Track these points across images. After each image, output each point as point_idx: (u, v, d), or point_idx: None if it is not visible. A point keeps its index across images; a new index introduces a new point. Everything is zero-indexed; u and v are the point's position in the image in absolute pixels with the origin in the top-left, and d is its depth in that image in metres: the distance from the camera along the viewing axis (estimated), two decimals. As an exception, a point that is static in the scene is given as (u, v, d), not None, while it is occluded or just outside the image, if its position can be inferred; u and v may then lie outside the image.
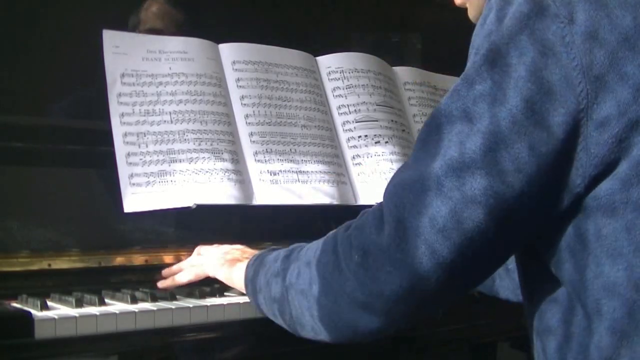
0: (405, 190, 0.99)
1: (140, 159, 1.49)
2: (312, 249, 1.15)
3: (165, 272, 1.44)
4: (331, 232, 1.13)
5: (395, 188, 1.02)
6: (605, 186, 0.93)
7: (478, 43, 1.00)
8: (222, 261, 1.37)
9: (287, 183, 1.62)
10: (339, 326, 1.09)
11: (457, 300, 1.07)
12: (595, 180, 0.94)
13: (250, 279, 1.26)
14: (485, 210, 0.95)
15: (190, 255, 1.48)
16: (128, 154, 1.48)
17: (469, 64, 1.00)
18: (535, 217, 0.97)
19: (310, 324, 1.13)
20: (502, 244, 0.99)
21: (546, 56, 0.93)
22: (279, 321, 1.20)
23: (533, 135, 0.93)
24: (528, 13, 0.94)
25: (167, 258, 1.50)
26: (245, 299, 1.33)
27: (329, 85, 1.82)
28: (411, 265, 0.97)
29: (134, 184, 1.46)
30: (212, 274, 1.38)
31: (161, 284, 1.41)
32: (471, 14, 1.20)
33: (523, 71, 0.93)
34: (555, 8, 0.93)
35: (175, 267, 1.44)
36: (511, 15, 0.95)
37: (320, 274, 1.08)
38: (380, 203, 1.04)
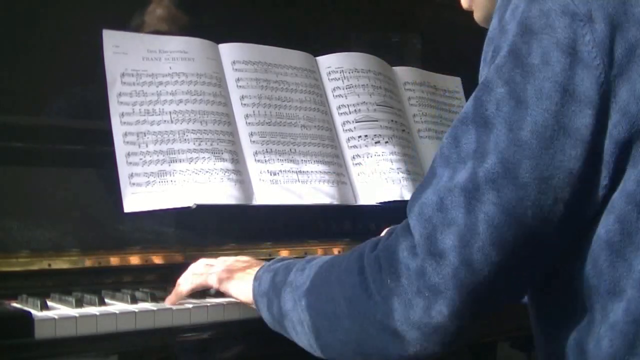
0: (435, 210, 0.95)
1: (140, 159, 1.49)
2: (327, 265, 1.08)
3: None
4: (355, 249, 1.06)
5: (421, 208, 0.97)
6: (618, 188, 0.93)
7: (497, 45, 0.97)
8: (227, 274, 1.28)
9: (287, 183, 1.62)
10: (365, 352, 1.02)
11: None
12: (614, 179, 0.93)
13: (258, 293, 1.19)
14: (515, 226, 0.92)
15: (190, 254, 1.48)
16: (128, 154, 1.48)
17: (491, 66, 0.97)
18: (564, 228, 0.95)
19: (324, 343, 1.07)
20: (530, 260, 0.96)
21: (568, 57, 0.91)
22: (288, 335, 1.14)
23: (561, 141, 0.91)
24: (548, 12, 0.93)
25: (167, 258, 1.49)
26: (245, 299, 1.33)
27: (329, 85, 1.82)
28: (453, 289, 0.92)
29: (134, 184, 1.46)
30: (216, 286, 1.28)
31: (168, 301, 1.29)
32: (477, 15, 1.19)
33: (547, 75, 0.92)
34: (574, 6, 0.92)
35: (179, 281, 1.34)
36: (533, 14, 0.94)
37: (345, 297, 1.01)
38: (407, 222, 0.99)
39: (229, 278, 1.26)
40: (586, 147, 0.91)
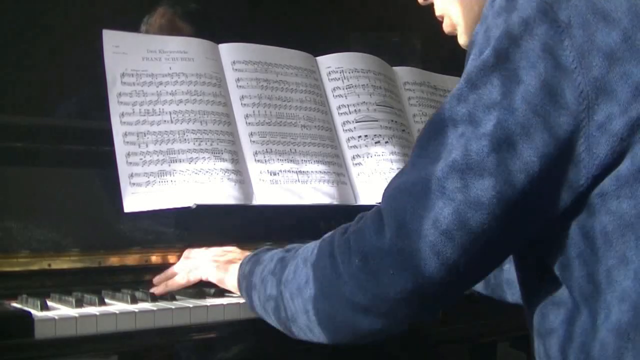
0: (405, 193, 1.00)
1: (140, 159, 1.49)
2: (308, 250, 1.15)
3: (156, 279, 1.40)
4: (327, 235, 1.13)
5: (394, 192, 1.02)
6: (608, 183, 0.94)
7: (480, 44, 1.00)
8: (215, 263, 1.35)
9: (287, 183, 1.62)
10: (338, 328, 1.09)
11: (456, 301, 1.07)
12: (597, 179, 0.95)
13: (244, 277, 1.26)
14: (489, 211, 0.95)
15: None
16: (128, 154, 1.48)
17: (470, 65, 1.01)
18: (538, 215, 0.98)
19: (305, 324, 1.13)
20: (506, 242, 1.00)
21: (547, 61, 0.94)
22: (272, 321, 1.20)
23: (537, 136, 0.94)
24: (527, 19, 0.96)
25: (167, 258, 1.49)
26: (245, 299, 1.33)
27: (329, 85, 1.82)
28: (416, 267, 0.98)
29: (134, 184, 1.46)
30: (205, 277, 1.36)
31: (155, 290, 1.36)
32: (462, 41, 1.22)
33: (527, 75, 0.95)
34: (554, 13, 0.95)
35: (167, 272, 1.41)
36: (514, 21, 0.97)
37: (316, 277, 1.08)
38: (378, 207, 1.04)
39: (217, 267, 1.34)
40: (560, 146, 0.94)
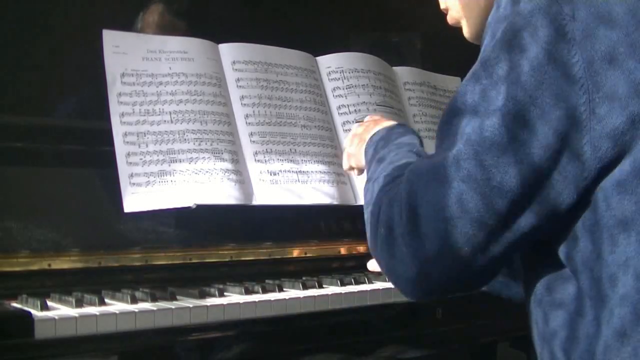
0: (419, 177, 1.02)
1: (140, 159, 1.49)
2: (381, 180, 1.15)
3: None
4: (394, 185, 1.13)
5: (409, 174, 1.04)
6: (610, 182, 0.95)
7: (493, 27, 1.02)
8: (355, 140, 1.38)
9: (287, 183, 1.62)
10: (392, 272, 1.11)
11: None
12: (600, 174, 0.95)
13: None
14: (508, 189, 0.96)
15: (190, 254, 1.50)
16: (128, 154, 1.48)
17: (484, 48, 1.03)
18: (555, 195, 0.98)
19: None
20: (528, 224, 0.99)
21: (546, 54, 0.95)
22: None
23: (547, 107, 0.95)
24: (532, 10, 0.97)
25: (167, 258, 1.50)
26: (245, 298, 1.33)
27: (329, 85, 1.82)
28: (422, 250, 0.99)
29: (134, 184, 1.46)
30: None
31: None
32: (467, 32, 1.22)
33: (532, 47, 0.96)
34: (558, 6, 0.97)
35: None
36: (523, 6, 0.98)
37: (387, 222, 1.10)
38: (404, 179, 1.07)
39: (353, 145, 1.37)
40: (568, 114, 0.95)
